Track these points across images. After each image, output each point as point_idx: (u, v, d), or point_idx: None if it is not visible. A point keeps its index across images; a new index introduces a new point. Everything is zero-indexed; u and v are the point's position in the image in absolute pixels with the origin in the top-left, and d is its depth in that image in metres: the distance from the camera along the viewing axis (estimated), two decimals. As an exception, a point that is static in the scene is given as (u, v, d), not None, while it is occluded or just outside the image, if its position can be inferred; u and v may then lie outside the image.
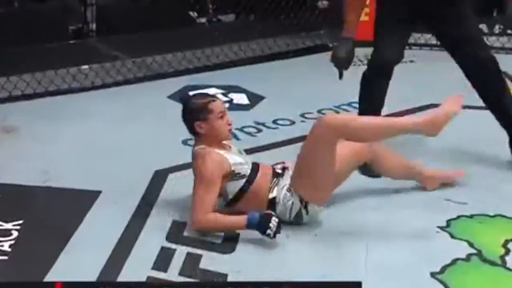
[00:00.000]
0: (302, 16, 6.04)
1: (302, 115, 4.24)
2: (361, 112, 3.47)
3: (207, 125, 2.90)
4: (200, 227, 2.79)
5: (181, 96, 2.97)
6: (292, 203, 2.84)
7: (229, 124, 2.94)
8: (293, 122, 4.17)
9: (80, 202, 3.10)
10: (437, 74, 4.76)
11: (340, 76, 3.38)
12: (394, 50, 3.39)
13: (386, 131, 2.80)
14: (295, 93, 4.70)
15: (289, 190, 2.85)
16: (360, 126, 2.76)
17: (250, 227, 2.73)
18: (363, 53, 5.57)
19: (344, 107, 4.39)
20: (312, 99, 4.50)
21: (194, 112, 2.91)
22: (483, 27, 5.89)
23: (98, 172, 3.42)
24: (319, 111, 4.33)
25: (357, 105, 4.32)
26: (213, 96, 2.99)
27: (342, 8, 3.42)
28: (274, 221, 2.70)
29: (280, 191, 2.86)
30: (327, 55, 3.37)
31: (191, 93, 3.03)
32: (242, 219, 2.75)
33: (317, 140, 2.77)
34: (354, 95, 4.28)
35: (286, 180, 2.89)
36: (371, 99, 3.47)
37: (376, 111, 3.44)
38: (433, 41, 4.92)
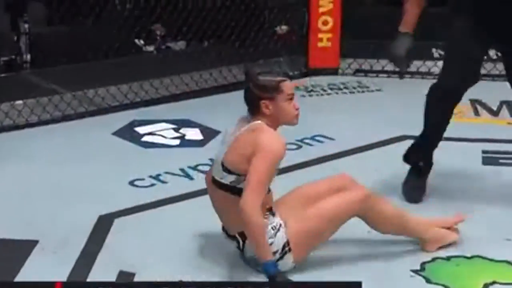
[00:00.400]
0: (259, 43, 6.12)
1: (262, 151, 4.27)
2: (425, 133, 3.52)
3: (275, 106, 2.90)
4: (245, 211, 2.73)
5: (246, 70, 2.96)
6: (272, 243, 2.87)
7: (297, 109, 2.95)
8: (251, 159, 4.19)
9: (13, 254, 3.06)
10: (407, 104, 4.85)
11: (402, 75, 3.38)
12: (464, 73, 3.30)
13: (400, 229, 3.08)
14: (254, 127, 4.73)
15: (274, 228, 2.88)
16: (383, 213, 2.99)
17: (268, 267, 2.70)
18: (326, 82, 5.69)
19: (307, 140, 4.43)
20: (272, 133, 4.54)
21: (262, 90, 2.88)
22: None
23: (34, 219, 3.39)
24: (280, 146, 4.37)
25: (320, 138, 4.42)
26: (284, 74, 2.98)
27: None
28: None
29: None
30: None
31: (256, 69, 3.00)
32: (270, 253, 2.77)
33: (347, 204, 2.94)
34: (318, 128, 4.33)
35: (274, 219, 2.92)
36: (433, 121, 3.47)
37: (439, 133, 3.49)
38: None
